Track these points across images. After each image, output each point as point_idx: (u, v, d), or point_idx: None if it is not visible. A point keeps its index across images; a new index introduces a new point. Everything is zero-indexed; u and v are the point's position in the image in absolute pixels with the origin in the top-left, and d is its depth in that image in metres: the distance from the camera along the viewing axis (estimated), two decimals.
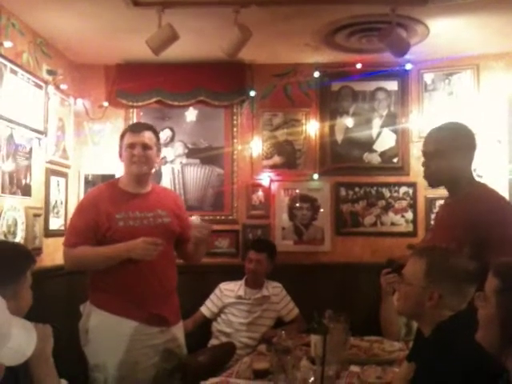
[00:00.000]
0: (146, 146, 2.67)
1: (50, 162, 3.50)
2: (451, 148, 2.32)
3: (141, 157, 2.65)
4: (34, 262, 1.77)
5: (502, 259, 1.40)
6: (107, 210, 2.61)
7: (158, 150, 2.80)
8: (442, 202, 3.62)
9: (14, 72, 2.99)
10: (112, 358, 2.54)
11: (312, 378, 1.95)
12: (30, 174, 3.21)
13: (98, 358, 2.58)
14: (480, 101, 3.72)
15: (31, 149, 3.23)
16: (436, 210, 3.73)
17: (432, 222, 3.74)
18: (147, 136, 2.70)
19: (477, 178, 2.47)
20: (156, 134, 2.79)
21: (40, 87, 3.32)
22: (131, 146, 2.66)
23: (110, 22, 3.14)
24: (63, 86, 3.60)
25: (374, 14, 3.04)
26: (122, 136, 2.74)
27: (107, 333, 2.57)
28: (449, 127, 2.45)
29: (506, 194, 3.34)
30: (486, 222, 2.14)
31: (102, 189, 2.79)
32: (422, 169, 3.83)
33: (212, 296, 3.53)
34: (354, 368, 2.41)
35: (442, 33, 3.27)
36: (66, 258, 2.67)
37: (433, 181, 2.44)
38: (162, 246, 2.55)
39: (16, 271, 1.67)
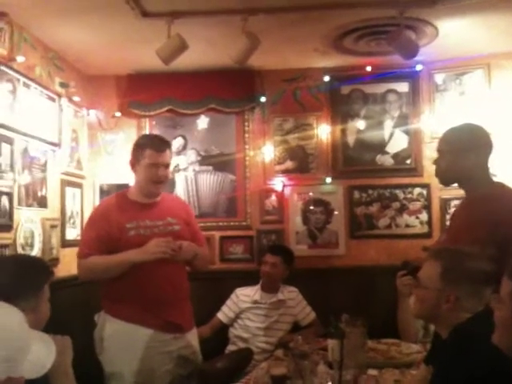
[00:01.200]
0: (167, 166, 2.73)
1: (65, 174, 3.54)
2: (462, 147, 2.32)
3: (164, 177, 2.70)
4: (52, 275, 1.80)
5: None
6: (118, 221, 2.65)
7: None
8: (457, 202, 3.63)
9: (27, 86, 3.03)
10: (127, 365, 2.57)
11: (329, 383, 1.94)
12: (46, 186, 3.26)
13: (114, 366, 2.61)
14: (492, 100, 3.70)
15: (46, 161, 3.27)
16: (451, 210, 3.71)
17: (448, 223, 3.72)
18: (168, 155, 2.73)
19: (492, 177, 2.46)
20: (171, 149, 2.83)
21: (53, 100, 3.37)
22: (155, 166, 2.66)
23: (119, 33, 3.18)
24: (76, 98, 3.65)
25: (381, 17, 3.04)
26: (141, 150, 2.69)
27: (122, 341, 2.60)
28: (462, 127, 2.47)
29: None
30: (508, 222, 2.12)
31: (112, 200, 2.82)
32: (435, 169, 3.86)
33: (228, 301, 3.54)
34: (372, 371, 2.40)
35: (451, 33, 3.26)
36: (80, 269, 2.71)
37: (442, 178, 2.46)
38: (175, 244, 2.58)
39: (35, 285, 1.70)
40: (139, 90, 3.88)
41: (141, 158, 2.68)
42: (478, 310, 1.76)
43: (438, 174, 2.46)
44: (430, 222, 3.84)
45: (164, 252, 2.56)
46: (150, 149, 2.67)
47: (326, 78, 3.90)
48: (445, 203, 3.77)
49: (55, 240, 3.34)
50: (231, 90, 3.88)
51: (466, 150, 2.32)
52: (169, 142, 2.88)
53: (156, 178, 2.67)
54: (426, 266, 1.88)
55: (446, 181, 2.49)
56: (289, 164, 3.96)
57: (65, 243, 3.48)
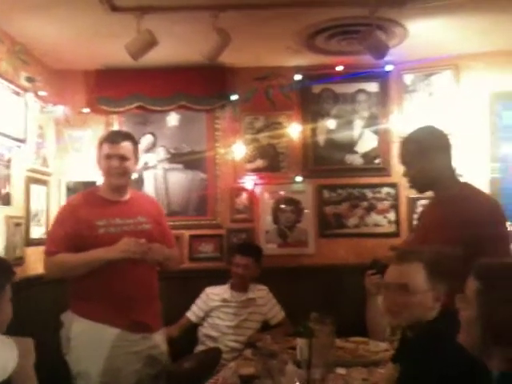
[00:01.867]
0: (123, 158, 2.67)
1: (31, 170, 3.45)
2: (423, 151, 2.35)
3: (118, 168, 2.65)
4: (14, 275, 1.75)
5: (481, 261, 1.41)
6: (87, 218, 2.61)
7: (137, 159, 2.79)
8: (424, 201, 3.68)
9: None
10: (95, 365, 2.53)
11: (297, 383, 1.94)
12: (10, 183, 3.17)
13: (81, 365, 2.57)
14: (460, 100, 3.76)
15: (10, 157, 3.18)
16: (418, 209, 3.76)
17: (415, 223, 3.77)
18: (125, 147, 2.69)
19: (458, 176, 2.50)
20: (134, 142, 2.78)
21: (19, 94, 3.28)
22: (108, 157, 2.66)
23: (88, 27, 3.11)
24: (42, 93, 3.56)
25: (353, 17, 3.05)
26: (100, 145, 2.73)
27: (89, 340, 2.56)
28: (416, 133, 2.49)
29: (487, 192, 3.38)
30: (476, 222, 2.16)
31: (81, 197, 2.79)
32: (403, 169, 3.90)
33: (197, 300, 3.52)
34: (340, 370, 2.41)
35: (421, 34, 3.29)
36: (47, 266, 2.66)
37: (417, 186, 2.47)
38: (145, 245, 2.56)
39: None
40: (108, 86, 3.82)
41: (100, 153, 2.70)
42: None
43: (412, 185, 2.47)
44: (397, 221, 3.88)
45: (133, 252, 2.53)
46: (105, 142, 2.71)
47: (298, 77, 3.90)
48: (412, 202, 3.82)
49: (19, 238, 3.25)
50: (202, 87, 3.85)
51: (426, 152, 2.34)
52: (128, 134, 2.86)
53: (109, 169, 2.65)
54: (406, 271, 1.80)
55: (421, 188, 2.49)
56: (259, 162, 3.95)
57: (29, 242, 3.39)
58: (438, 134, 2.42)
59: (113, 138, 2.76)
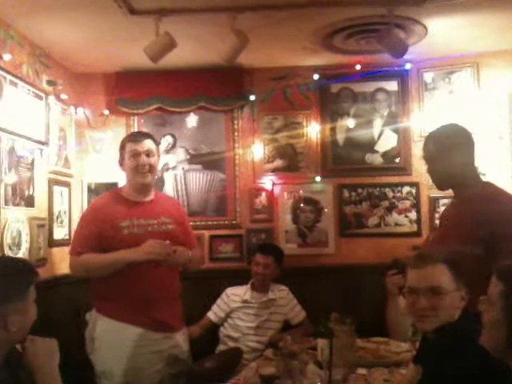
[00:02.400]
0: (149, 154, 2.72)
1: (53, 172, 3.50)
2: (447, 149, 2.33)
3: (145, 165, 2.70)
4: (37, 276, 1.78)
5: (505, 262, 1.40)
6: (111, 219, 2.64)
7: (159, 157, 2.85)
8: (445, 201, 3.65)
9: (13, 84, 2.99)
10: (118, 364, 2.57)
11: (319, 383, 1.94)
12: (33, 185, 3.22)
13: (105, 365, 2.61)
14: (481, 98, 3.72)
15: (33, 160, 3.23)
16: (440, 209, 3.73)
17: (437, 222, 3.73)
18: (149, 144, 2.75)
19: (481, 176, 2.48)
20: (155, 141, 2.83)
21: (40, 98, 3.33)
22: (135, 154, 2.69)
23: (107, 31, 3.15)
24: (63, 96, 3.61)
25: (371, 16, 3.04)
26: (123, 146, 2.77)
27: (113, 340, 2.60)
28: (440, 130, 2.47)
29: (509, 192, 3.33)
30: (496, 222, 2.14)
31: (106, 198, 2.83)
32: (423, 168, 3.85)
33: (218, 301, 3.53)
34: (361, 370, 2.40)
35: (440, 32, 3.26)
36: (72, 266, 2.71)
37: (441, 184, 2.45)
38: (170, 248, 2.58)
39: (20, 288, 1.67)
40: (127, 88, 3.85)
41: (124, 154, 2.74)
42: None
43: (434, 182, 2.48)
44: (418, 221, 3.84)
45: (158, 254, 2.56)
46: (128, 142, 2.76)
47: (316, 77, 3.89)
48: (433, 202, 3.78)
49: (42, 240, 3.30)
50: (220, 88, 3.86)
51: (451, 151, 2.33)
52: (149, 134, 2.94)
53: (138, 166, 2.68)
54: (432, 273, 1.78)
55: (442, 186, 2.47)
56: (278, 162, 3.95)
57: (52, 243, 3.44)
58: (462, 132, 2.40)
59: (136, 137, 2.83)
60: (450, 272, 1.77)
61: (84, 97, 3.93)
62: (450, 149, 2.32)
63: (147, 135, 2.85)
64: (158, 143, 2.87)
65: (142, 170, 2.69)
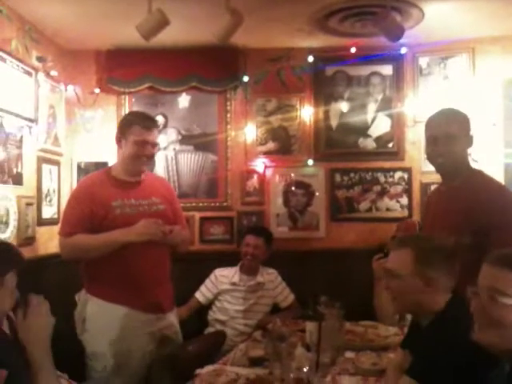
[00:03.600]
0: (154, 145, 2.69)
1: (42, 150, 3.46)
2: (467, 131, 2.29)
3: (151, 156, 2.68)
4: (19, 263, 1.72)
5: (497, 251, 1.39)
6: (102, 198, 2.60)
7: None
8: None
9: (2, 59, 2.94)
10: (110, 346, 2.55)
11: (307, 367, 1.94)
12: (22, 163, 3.18)
13: (96, 346, 2.59)
14: (475, 84, 3.70)
15: (22, 137, 3.19)
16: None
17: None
18: (156, 133, 2.71)
19: (472, 163, 2.45)
20: (158, 129, 2.82)
21: (30, 74, 3.27)
22: (142, 143, 2.62)
23: (99, 7, 3.08)
24: (53, 73, 3.55)
25: None
26: (129, 125, 2.65)
27: (104, 321, 2.57)
28: (459, 111, 2.37)
29: (501, 179, 3.34)
30: (486, 210, 2.13)
31: (96, 177, 2.76)
32: (416, 153, 3.85)
33: (207, 282, 3.53)
34: (349, 354, 2.41)
35: (437, 16, 3.23)
36: (63, 248, 2.64)
37: (448, 165, 2.30)
38: (166, 228, 2.56)
39: None
40: (119, 66, 3.79)
41: (127, 134, 2.64)
42: (451, 288, 1.76)
43: (445, 161, 2.27)
44: (410, 206, 3.85)
45: (153, 234, 2.53)
46: (137, 125, 2.64)
47: (310, 59, 3.85)
48: (425, 187, 3.77)
49: (31, 218, 3.27)
50: (213, 68, 3.81)
51: (468, 134, 2.30)
52: (157, 121, 2.87)
53: (142, 156, 2.63)
54: (395, 256, 1.85)
55: (449, 167, 2.30)
56: (271, 145, 3.93)
57: (41, 221, 3.41)
58: (468, 119, 2.36)
59: (146, 123, 2.67)
60: (412, 257, 1.77)
61: (74, 74, 3.86)
62: (462, 134, 2.27)
63: (156, 123, 2.77)
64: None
65: (144, 159, 2.65)
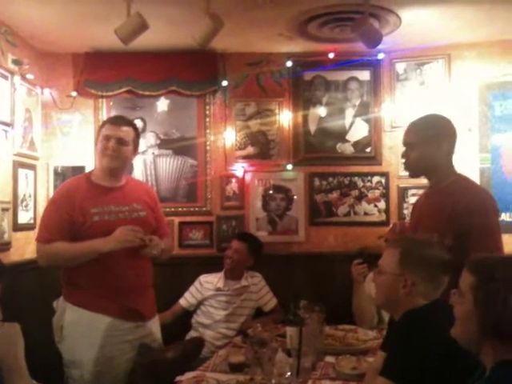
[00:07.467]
0: (121, 141, 2.61)
1: (18, 155, 3.40)
2: (429, 137, 2.34)
3: (114, 151, 2.59)
4: (2, 279, 1.69)
5: (476, 255, 1.41)
6: (81, 205, 2.55)
7: (135, 148, 2.73)
8: (414, 191, 3.71)
9: None
10: (88, 353, 2.51)
11: (289, 373, 1.94)
12: None
13: (74, 354, 2.54)
14: (451, 90, 3.76)
15: None
16: (408, 199, 3.78)
17: (405, 212, 3.78)
18: (125, 131, 2.64)
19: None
20: (136, 130, 2.73)
21: (5, 78, 3.22)
22: (106, 138, 2.60)
23: (77, 9, 3.05)
24: (30, 76, 3.50)
25: (347, 4, 3.02)
26: (101, 127, 2.69)
27: (82, 329, 2.53)
28: (427, 118, 2.48)
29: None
30: (467, 214, 2.17)
31: (75, 182, 2.71)
32: (394, 158, 3.91)
33: (191, 288, 3.51)
34: (329, 358, 2.42)
35: (414, 22, 3.27)
36: (41, 255, 2.58)
37: (412, 171, 2.46)
38: (141, 232, 2.52)
39: None
40: (96, 69, 3.75)
41: (100, 135, 2.66)
42: (434, 297, 1.80)
43: (407, 167, 2.47)
44: (387, 210, 3.88)
45: (130, 241, 2.49)
46: (108, 123, 2.68)
47: (289, 64, 3.86)
48: (402, 192, 3.82)
49: (6, 223, 3.21)
50: (193, 72, 3.80)
51: (432, 140, 2.34)
52: (131, 121, 2.81)
53: (105, 150, 2.59)
54: (386, 254, 1.92)
55: (415, 173, 2.47)
56: (250, 150, 3.93)
57: (17, 227, 3.35)
58: (445, 123, 2.42)
59: (115, 120, 2.75)
60: (399, 256, 1.84)
61: (51, 77, 3.81)
62: (434, 138, 2.33)
63: (128, 121, 2.73)
64: (138, 133, 2.75)
65: (108, 153, 2.59)
